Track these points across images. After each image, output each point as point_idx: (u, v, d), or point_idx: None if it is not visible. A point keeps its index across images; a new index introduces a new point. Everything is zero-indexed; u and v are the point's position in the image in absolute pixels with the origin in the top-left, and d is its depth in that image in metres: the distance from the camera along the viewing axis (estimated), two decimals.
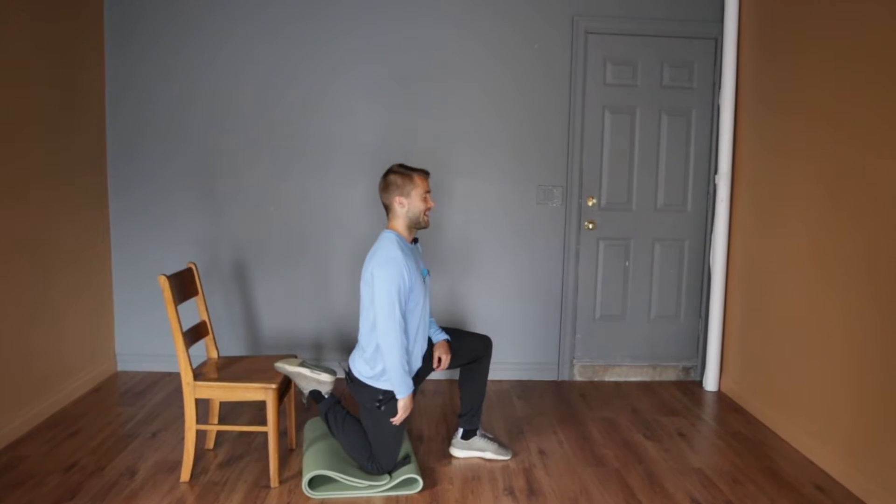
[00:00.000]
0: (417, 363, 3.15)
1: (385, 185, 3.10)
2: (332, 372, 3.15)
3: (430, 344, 3.27)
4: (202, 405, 3.75)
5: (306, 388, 3.13)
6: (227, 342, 4.52)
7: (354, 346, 3.27)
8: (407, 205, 3.07)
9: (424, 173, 3.14)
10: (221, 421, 3.75)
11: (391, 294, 2.92)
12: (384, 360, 2.97)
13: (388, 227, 3.14)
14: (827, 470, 3.28)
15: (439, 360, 3.24)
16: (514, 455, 3.43)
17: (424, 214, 3.12)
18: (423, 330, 3.16)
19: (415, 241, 3.23)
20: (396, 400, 3.05)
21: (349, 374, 3.15)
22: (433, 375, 4.46)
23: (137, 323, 4.52)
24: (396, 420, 3.04)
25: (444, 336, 3.31)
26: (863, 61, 3.10)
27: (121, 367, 4.58)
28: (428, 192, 3.12)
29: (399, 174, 3.08)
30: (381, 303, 2.93)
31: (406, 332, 3.02)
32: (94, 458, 3.29)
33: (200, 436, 3.48)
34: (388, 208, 3.13)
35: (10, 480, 3.04)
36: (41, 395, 3.73)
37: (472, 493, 3.04)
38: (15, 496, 2.90)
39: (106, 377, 4.42)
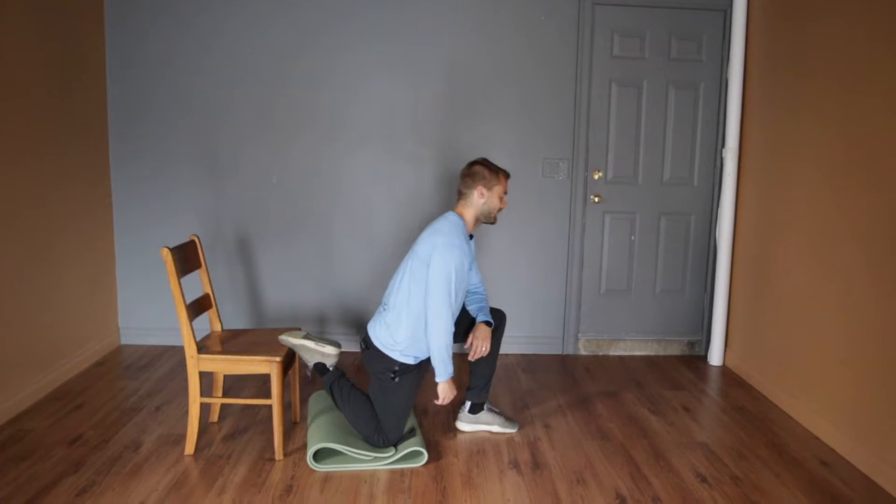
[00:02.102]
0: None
1: (471, 173, 3.14)
2: (337, 344, 3.13)
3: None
4: (206, 378, 3.74)
5: (311, 360, 3.11)
6: (230, 315, 4.51)
7: (374, 315, 3.24)
8: (486, 198, 3.13)
9: (507, 175, 3.21)
10: (225, 394, 3.74)
11: (449, 279, 2.95)
12: (430, 343, 3.01)
13: (455, 211, 3.16)
14: (832, 445, 3.27)
15: (471, 344, 3.23)
16: (520, 429, 3.42)
17: (497, 212, 3.20)
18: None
19: (470, 236, 3.24)
20: (411, 373, 3.06)
21: (366, 340, 3.14)
22: None
23: (140, 297, 4.51)
24: (440, 402, 3.12)
25: (486, 319, 3.28)
26: (876, 31, 3.03)
27: (124, 341, 4.57)
28: (506, 192, 3.19)
29: (488, 167, 3.15)
30: (438, 286, 2.95)
31: None
32: (99, 431, 3.29)
33: (204, 409, 3.48)
34: (463, 195, 3.16)
35: (15, 453, 3.04)
36: (45, 369, 3.73)
37: (478, 466, 3.04)
38: (19, 469, 2.90)
39: (109, 351, 4.42)
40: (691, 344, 4.67)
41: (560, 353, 4.64)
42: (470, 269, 3.23)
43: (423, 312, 3.01)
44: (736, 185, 4.29)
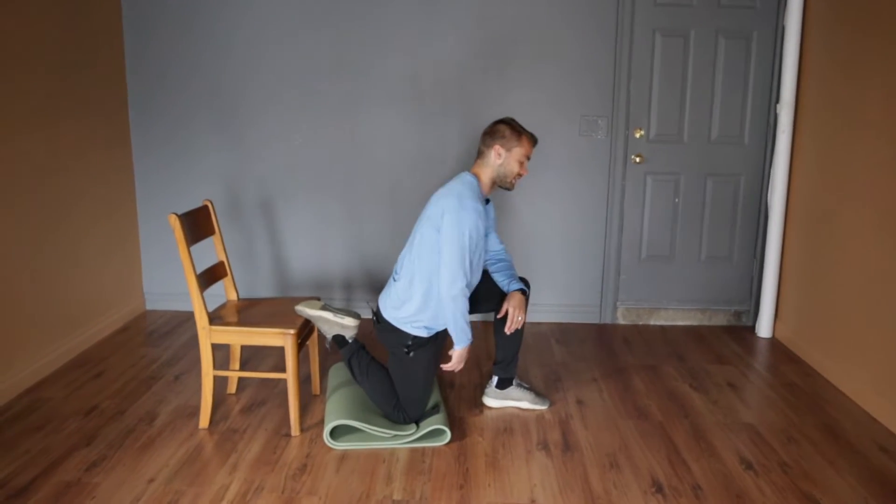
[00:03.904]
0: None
1: (491, 131, 2.93)
2: (357, 315, 2.97)
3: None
4: (223, 348, 3.64)
5: (329, 332, 2.96)
6: (252, 281, 4.39)
7: (385, 286, 3.08)
8: (503, 159, 2.90)
9: (533, 139, 2.96)
10: (244, 364, 3.63)
11: (463, 241, 2.73)
12: (445, 311, 2.81)
13: (471, 171, 2.94)
14: (893, 429, 3.00)
15: (506, 313, 3.00)
16: (551, 405, 3.23)
17: (515, 178, 2.94)
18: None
19: (486, 200, 3.03)
20: (426, 346, 2.88)
21: (377, 314, 2.97)
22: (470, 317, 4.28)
23: (166, 261, 4.40)
24: (451, 367, 2.93)
25: (518, 286, 3.05)
26: None
27: (149, 307, 4.49)
28: (528, 157, 2.94)
29: (510, 126, 2.92)
30: (451, 251, 2.73)
31: None
32: (115, 401, 3.21)
33: (222, 380, 3.37)
34: (481, 154, 2.94)
35: (30, 424, 2.98)
36: (67, 335, 3.66)
37: (504, 446, 2.86)
38: (32, 441, 2.83)
39: (134, 317, 4.34)
40: (738, 314, 4.39)
41: (597, 322, 4.41)
42: (487, 234, 3.02)
43: (436, 280, 2.82)
44: (791, 145, 3.95)
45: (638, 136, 4.18)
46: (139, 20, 4.14)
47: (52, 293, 3.54)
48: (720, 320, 4.39)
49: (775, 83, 4.09)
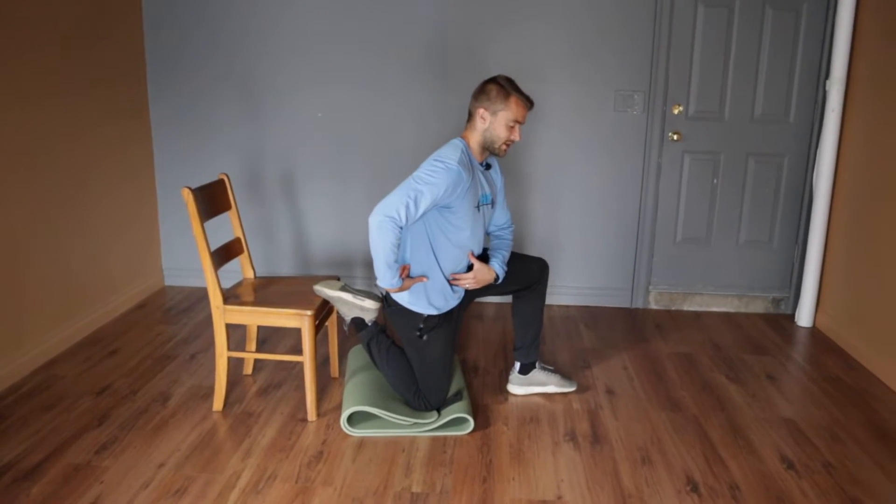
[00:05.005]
0: (459, 292, 2.82)
1: (478, 91, 2.71)
2: (377, 298, 2.83)
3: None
4: (240, 328, 3.54)
5: (348, 314, 2.82)
6: (271, 260, 4.27)
7: None
8: (488, 122, 2.68)
9: (527, 101, 2.70)
10: (261, 345, 3.53)
11: (421, 178, 2.54)
12: (370, 237, 2.56)
13: (461, 136, 2.75)
14: None
15: (470, 267, 2.81)
16: (578, 388, 3.09)
17: (504, 144, 2.71)
18: (465, 259, 2.81)
19: (487, 165, 2.84)
20: (439, 327, 2.75)
21: (387, 296, 2.83)
22: (493, 298, 4.14)
23: (185, 237, 4.30)
24: (381, 283, 2.63)
25: (497, 269, 2.86)
26: None
27: (168, 283, 4.41)
28: (518, 122, 2.69)
29: (498, 87, 2.67)
30: (402, 187, 2.54)
31: (437, 259, 2.71)
32: (129, 380, 3.12)
33: (238, 360, 3.27)
34: (470, 115, 2.74)
35: (42, 402, 2.90)
36: (83, 311, 3.58)
37: (529, 436, 2.72)
38: (43, 420, 2.75)
39: (152, 293, 4.26)
40: (777, 301, 4.19)
41: (628, 306, 4.24)
42: (489, 204, 2.84)
43: (430, 247, 2.69)
44: (840, 123, 3.72)
45: (676, 112, 3.97)
46: None
47: (68, 267, 3.46)
48: (757, 307, 4.19)
49: (825, 58, 3.85)
